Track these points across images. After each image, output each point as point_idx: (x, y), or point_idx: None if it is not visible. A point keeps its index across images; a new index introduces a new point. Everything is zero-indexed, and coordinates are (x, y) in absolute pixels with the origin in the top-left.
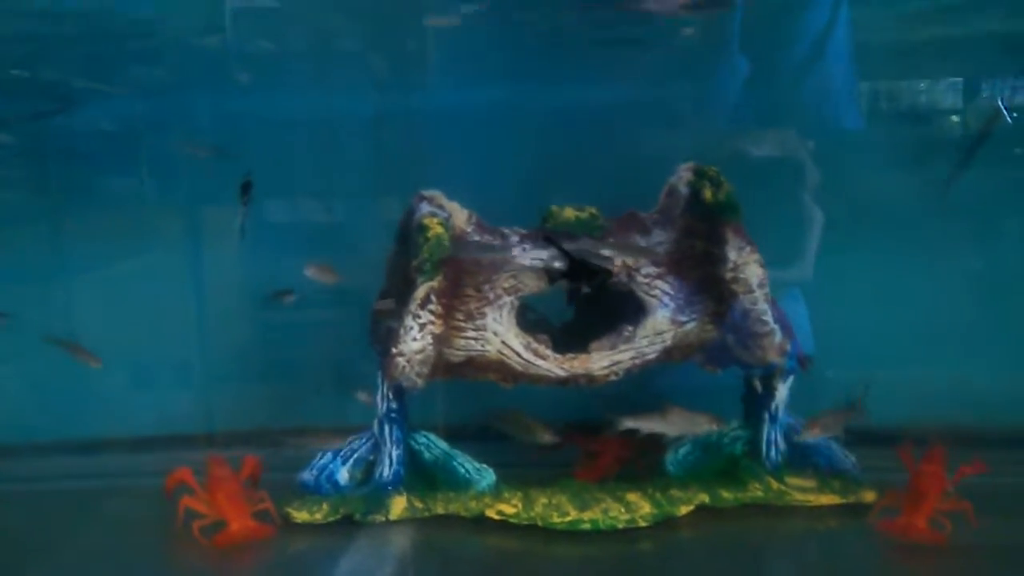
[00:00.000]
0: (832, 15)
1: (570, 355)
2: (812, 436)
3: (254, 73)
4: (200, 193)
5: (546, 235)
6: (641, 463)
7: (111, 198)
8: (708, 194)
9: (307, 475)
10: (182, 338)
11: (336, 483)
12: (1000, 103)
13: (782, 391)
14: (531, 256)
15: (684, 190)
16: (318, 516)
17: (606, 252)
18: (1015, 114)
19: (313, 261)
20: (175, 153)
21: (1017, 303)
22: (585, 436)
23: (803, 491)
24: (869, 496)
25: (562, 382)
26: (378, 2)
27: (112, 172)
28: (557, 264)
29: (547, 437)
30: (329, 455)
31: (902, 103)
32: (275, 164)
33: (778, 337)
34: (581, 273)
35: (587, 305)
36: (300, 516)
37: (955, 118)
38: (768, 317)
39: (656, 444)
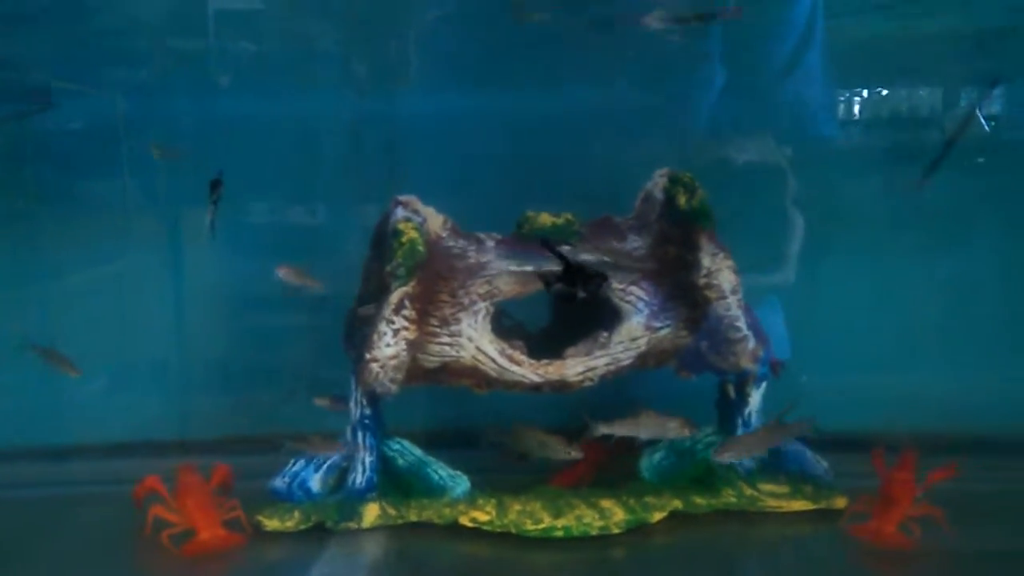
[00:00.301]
0: (808, 22)
1: (545, 361)
2: (724, 459)
3: (232, 75)
4: (177, 196)
5: (543, 239)
6: (616, 469)
7: (87, 201)
8: (682, 200)
9: (279, 482)
10: (158, 343)
11: (308, 490)
12: (974, 109)
13: (755, 397)
14: (507, 262)
15: (659, 196)
16: (289, 524)
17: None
18: (993, 122)
19: (285, 263)
20: (151, 156)
21: (989, 308)
22: None
23: (775, 497)
24: (841, 502)
25: (537, 388)
26: (356, 6)
27: (88, 174)
28: (551, 268)
29: (572, 452)
30: (301, 462)
31: (876, 109)
32: (251, 167)
33: (751, 343)
34: (577, 277)
35: (563, 311)
36: (271, 524)
37: (930, 123)
38: (741, 323)
39: (631, 450)
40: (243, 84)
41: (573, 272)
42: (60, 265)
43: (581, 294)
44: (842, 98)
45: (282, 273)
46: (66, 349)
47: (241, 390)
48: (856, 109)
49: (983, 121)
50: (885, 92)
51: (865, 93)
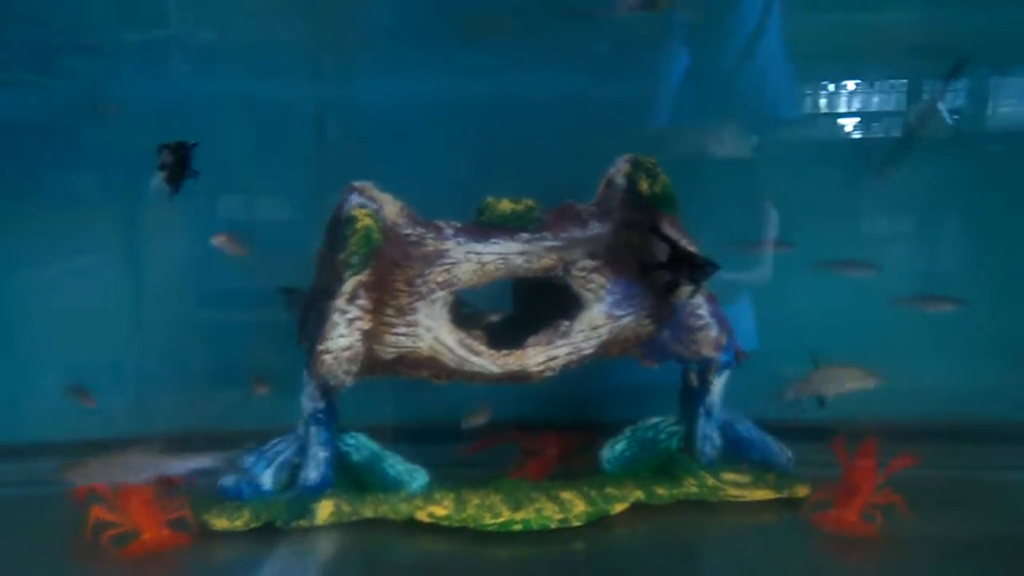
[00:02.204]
0: (766, 11)
1: (505, 351)
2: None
3: (192, 64)
4: (135, 189)
5: (651, 224)
6: (578, 461)
7: (43, 194)
8: (644, 186)
9: (227, 480)
10: (116, 338)
11: (258, 488)
12: (935, 100)
13: (717, 386)
14: (466, 250)
15: (622, 182)
16: (238, 523)
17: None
18: (957, 116)
19: (221, 232)
20: (108, 149)
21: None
22: (523, 434)
23: (737, 486)
24: (802, 490)
25: (497, 379)
26: None
27: (44, 167)
28: (654, 256)
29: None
30: (252, 458)
31: (841, 98)
32: (210, 157)
33: (714, 332)
34: (684, 266)
35: (524, 300)
36: (219, 523)
37: (895, 116)
38: (703, 311)
39: (593, 441)
40: (202, 73)
41: (681, 260)
42: (15, 260)
43: (688, 285)
44: (807, 86)
45: (217, 242)
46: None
47: (200, 386)
48: (820, 98)
49: (945, 113)
50: (850, 82)
51: (830, 82)
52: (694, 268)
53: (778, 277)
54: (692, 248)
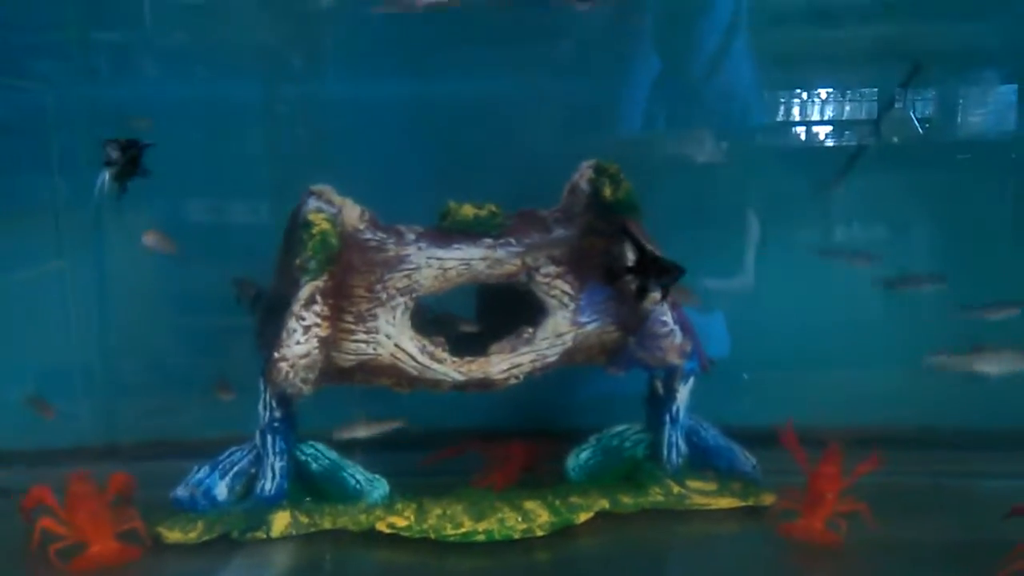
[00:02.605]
0: (737, 14)
1: (468, 358)
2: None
3: (157, 66)
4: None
5: (622, 225)
6: (543, 469)
7: (11, 198)
8: (608, 192)
9: (181, 491)
10: (83, 346)
11: (213, 499)
12: (888, 108)
13: (683, 393)
14: (427, 255)
15: (585, 187)
16: (192, 535)
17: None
18: (927, 124)
19: (151, 229)
20: (76, 152)
21: (915, 303)
22: (487, 443)
23: (703, 494)
24: (768, 499)
25: (460, 387)
26: None
27: (10, 170)
28: (620, 260)
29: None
30: (206, 468)
31: (807, 104)
32: (172, 160)
33: (678, 338)
34: (651, 270)
35: (487, 306)
36: (172, 536)
37: (851, 124)
38: (668, 318)
39: (558, 449)
40: (167, 74)
41: (648, 264)
42: None
43: (654, 289)
44: (773, 91)
45: (148, 239)
46: None
47: (165, 394)
48: (787, 104)
49: (907, 120)
50: (816, 87)
51: (797, 88)
52: (661, 272)
53: (755, 283)
54: (657, 252)
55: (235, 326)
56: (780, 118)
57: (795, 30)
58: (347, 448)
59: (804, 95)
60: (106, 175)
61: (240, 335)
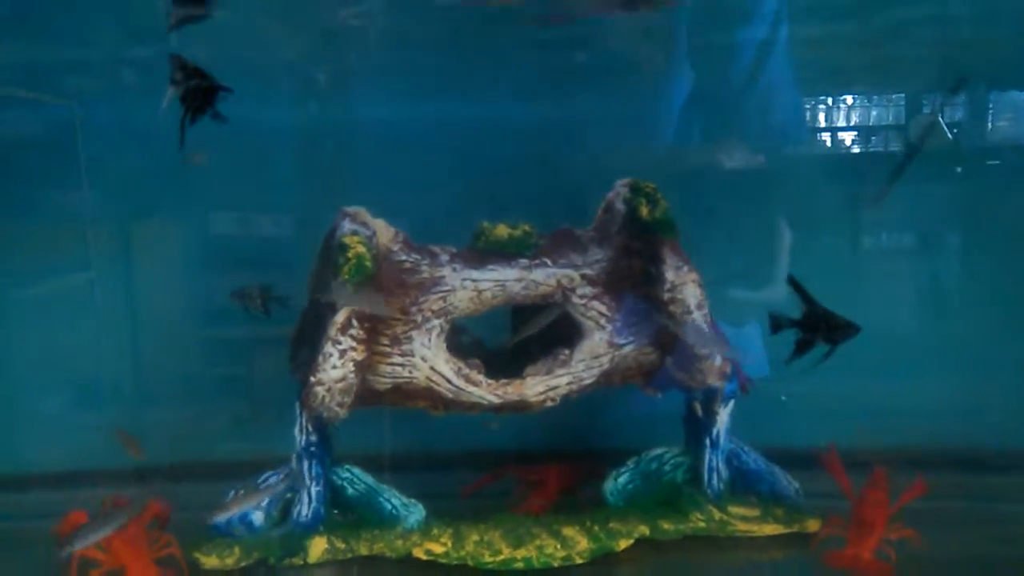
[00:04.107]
0: (772, 30)
1: (504, 381)
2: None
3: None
4: (132, 208)
5: (791, 277)
6: (581, 493)
7: (40, 212)
8: (644, 211)
9: (219, 516)
10: (115, 361)
11: (250, 524)
12: (934, 119)
13: (723, 416)
14: (462, 277)
15: (621, 207)
16: (229, 561)
17: None
18: (955, 130)
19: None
20: (105, 167)
21: (961, 318)
22: (523, 468)
23: (746, 521)
24: (813, 525)
25: (496, 409)
26: (311, 13)
27: (40, 184)
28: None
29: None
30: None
31: (844, 116)
32: (204, 177)
33: (718, 360)
34: (821, 325)
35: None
36: (209, 561)
37: (894, 133)
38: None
39: (596, 472)
40: None
41: (817, 319)
42: (12, 279)
43: (821, 344)
44: (809, 105)
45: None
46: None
47: (194, 410)
48: (824, 116)
49: (945, 128)
50: (853, 99)
51: (832, 100)
52: (832, 329)
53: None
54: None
55: (264, 337)
56: (819, 129)
57: (834, 39)
58: (381, 470)
59: (840, 105)
60: (169, 92)
61: (269, 347)
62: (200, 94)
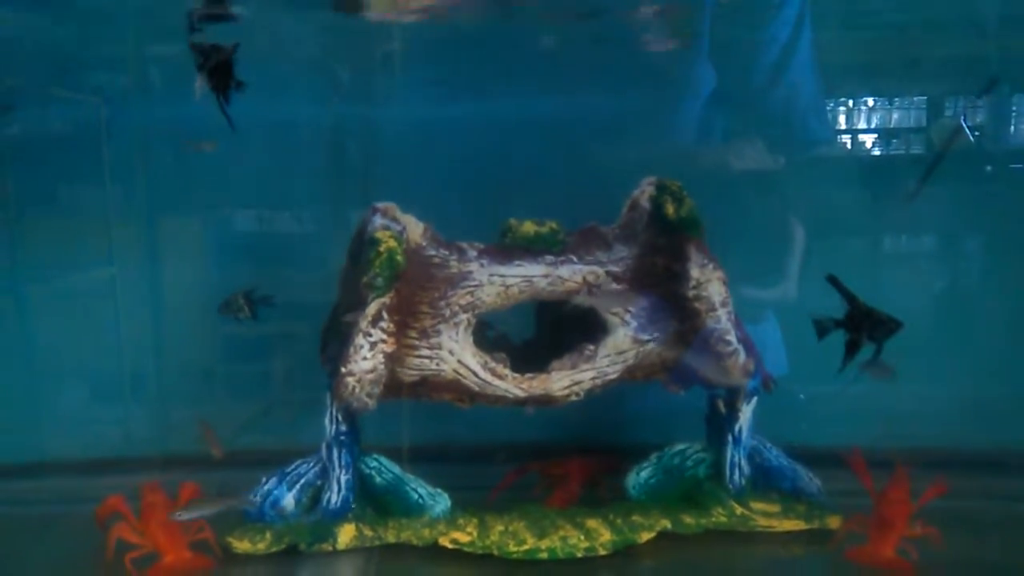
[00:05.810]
0: (796, 30)
1: (529, 375)
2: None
3: None
4: (157, 203)
5: (831, 276)
6: (603, 486)
7: (66, 207)
8: (670, 209)
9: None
10: (137, 354)
11: (281, 510)
12: (961, 121)
13: (746, 413)
14: (489, 272)
15: (646, 204)
16: (260, 546)
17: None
18: (976, 132)
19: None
20: (130, 162)
21: (982, 318)
22: (546, 462)
23: (767, 516)
24: (834, 521)
25: (521, 403)
26: (338, 13)
27: (67, 180)
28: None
29: None
30: (274, 480)
31: (867, 117)
32: (230, 174)
33: (742, 357)
34: (864, 323)
35: (547, 323)
36: (241, 546)
37: (919, 135)
38: (731, 337)
39: (619, 466)
40: None
41: (860, 317)
42: (37, 272)
43: (867, 342)
44: (833, 106)
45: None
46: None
47: (221, 403)
48: (847, 117)
49: (968, 131)
50: (876, 100)
51: (854, 101)
52: (875, 326)
53: (806, 297)
54: (866, 305)
55: (287, 333)
56: (836, 127)
57: (859, 41)
58: (408, 461)
59: (864, 107)
60: (199, 80)
61: (291, 342)
62: (221, 68)
